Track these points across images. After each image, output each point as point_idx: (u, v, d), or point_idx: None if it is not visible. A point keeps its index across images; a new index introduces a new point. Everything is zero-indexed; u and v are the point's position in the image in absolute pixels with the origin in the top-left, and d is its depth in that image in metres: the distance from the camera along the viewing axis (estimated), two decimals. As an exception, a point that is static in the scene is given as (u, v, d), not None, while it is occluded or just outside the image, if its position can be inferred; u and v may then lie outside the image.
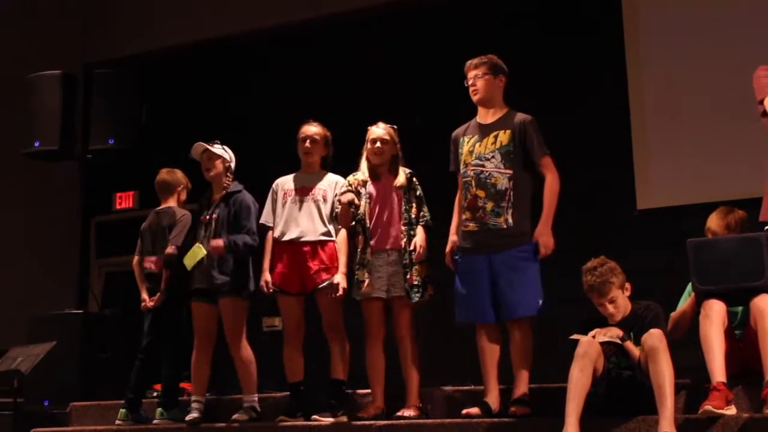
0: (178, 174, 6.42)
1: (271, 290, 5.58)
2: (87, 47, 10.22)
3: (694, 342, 4.51)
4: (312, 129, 5.72)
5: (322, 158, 5.77)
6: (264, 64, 9.57)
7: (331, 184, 5.66)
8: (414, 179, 5.47)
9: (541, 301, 4.97)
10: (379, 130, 5.50)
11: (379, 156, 5.47)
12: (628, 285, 4.74)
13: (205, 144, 5.89)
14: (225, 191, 5.86)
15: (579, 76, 7.93)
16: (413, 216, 5.38)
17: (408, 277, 5.27)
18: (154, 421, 5.94)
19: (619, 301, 4.67)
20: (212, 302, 5.76)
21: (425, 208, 5.44)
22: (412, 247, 5.27)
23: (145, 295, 6.12)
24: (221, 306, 5.73)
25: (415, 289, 5.27)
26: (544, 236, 4.94)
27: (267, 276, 5.59)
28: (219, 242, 5.62)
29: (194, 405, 5.76)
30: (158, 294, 6.03)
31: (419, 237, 5.31)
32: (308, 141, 5.70)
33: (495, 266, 4.98)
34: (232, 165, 5.96)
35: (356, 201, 5.41)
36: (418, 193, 5.45)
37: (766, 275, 4.43)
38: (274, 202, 5.74)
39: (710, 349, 4.36)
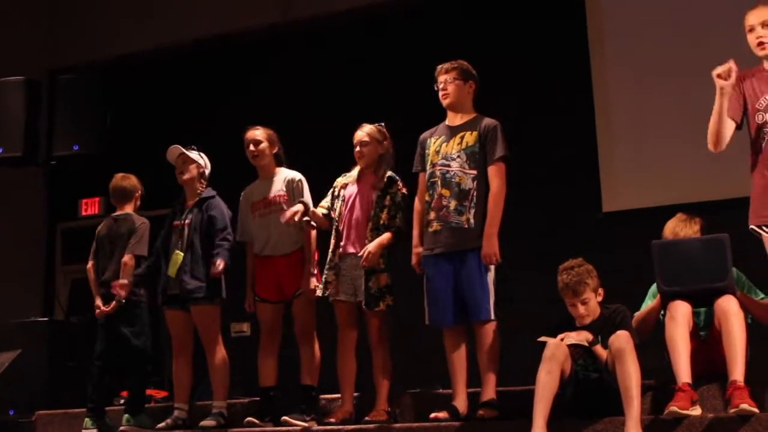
0: (134, 179, 6.40)
1: (252, 310, 5.66)
2: (51, 53, 10.13)
3: (660, 343, 4.55)
4: (254, 133, 5.73)
5: (275, 156, 5.76)
6: (229, 68, 9.54)
7: (286, 184, 5.67)
8: (397, 184, 5.41)
9: (487, 309, 4.93)
10: (359, 133, 5.49)
11: (360, 159, 5.47)
12: (601, 290, 4.76)
13: (181, 148, 5.87)
14: (198, 197, 5.85)
15: (545, 79, 7.98)
16: (382, 221, 5.33)
17: (369, 284, 5.26)
18: (121, 428, 5.89)
19: (591, 304, 4.70)
20: (185, 309, 5.75)
21: (400, 215, 5.34)
22: (361, 252, 5.25)
23: (99, 302, 6.08)
24: (194, 313, 5.72)
25: (373, 299, 5.25)
26: (488, 244, 4.93)
27: (251, 297, 5.66)
28: (218, 268, 5.57)
29: (177, 413, 5.75)
30: (113, 302, 5.99)
31: (374, 242, 5.24)
32: (251, 145, 5.71)
33: (459, 269, 4.99)
34: (207, 171, 5.95)
35: (308, 209, 5.40)
36: (397, 199, 5.36)
37: (730, 276, 4.49)
38: (245, 216, 5.77)
39: (675, 350, 4.40)
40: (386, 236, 5.27)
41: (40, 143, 8.35)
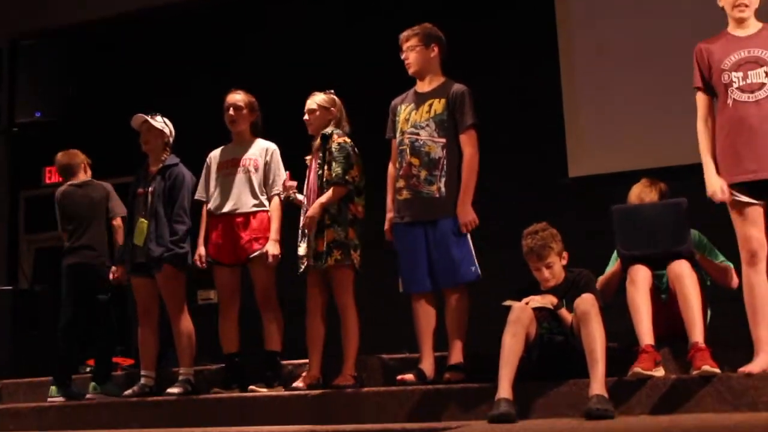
0: (75, 153, 6.35)
1: (204, 264, 5.58)
2: (12, 19, 9.96)
3: (623, 307, 4.59)
4: (235, 97, 5.68)
5: (251, 125, 5.72)
6: (193, 34, 9.44)
7: (261, 152, 5.62)
8: (333, 137, 5.33)
9: (474, 269, 4.99)
10: (308, 101, 5.45)
11: (309, 126, 5.44)
12: (565, 254, 4.79)
13: (145, 116, 5.81)
14: (162, 164, 5.81)
15: (510, 43, 7.96)
16: (325, 177, 5.29)
17: (316, 242, 5.23)
18: (87, 395, 5.88)
19: (555, 268, 4.72)
20: (151, 276, 5.73)
21: (335, 165, 5.25)
22: (303, 220, 5.24)
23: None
24: (159, 279, 5.70)
25: (320, 257, 5.21)
26: (463, 213, 4.96)
27: (201, 250, 5.59)
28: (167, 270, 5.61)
29: (143, 380, 5.74)
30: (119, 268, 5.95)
31: (314, 205, 5.21)
32: (231, 109, 5.66)
33: (431, 237, 5.00)
34: (171, 139, 5.92)
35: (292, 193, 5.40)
36: (333, 152, 5.28)
37: (688, 240, 4.53)
38: (208, 176, 5.71)
39: (637, 313, 4.45)
40: (326, 195, 5.23)
41: (1, 110, 8.27)
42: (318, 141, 5.38)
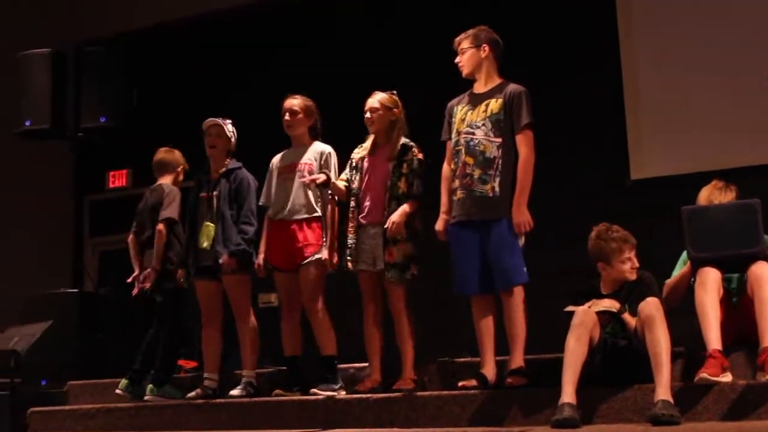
0: (177, 154, 6.42)
1: (263, 274, 5.64)
2: (77, 25, 10.12)
3: (691, 310, 4.52)
4: (291, 102, 5.70)
5: (310, 129, 5.73)
6: (256, 39, 9.51)
7: (316, 155, 5.63)
8: (413, 150, 5.34)
9: (524, 271, 4.94)
10: (370, 100, 5.44)
11: (370, 125, 5.43)
12: None
13: (218, 120, 5.88)
14: (225, 168, 5.86)
15: (571, 47, 7.89)
16: (401, 190, 5.28)
17: (386, 255, 5.23)
18: (146, 398, 5.93)
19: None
20: (216, 279, 5.78)
21: (417, 182, 5.29)
22: (386, 224, 5.20)
23: (136, 273, 6.14)
24: (226, 283, 5.76)
25: (396, 268, 5.22)
26: (518, 213, 4.91)
27: (260, 259, 5.64)
28: (224, 258, 5.64)
29: (206, 383, 5.80)
30: (149, 271, 6.04)
31: (397, 212, 5.20)
32: (287, 114, 5.69)
33: (485, 238, 4.97)
34: (233, 143, 5.95)
35: (330, 180, 5.36)
36: (413, 166, 5.31)
37: (761, 242, 4.44)
38: (270, 181, 5.76)
39: (706, 317, 4.37)
40: (409, 204, 5.24)
41: (67, 116, 8.41)
42: (396, 151, 5.33)
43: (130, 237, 6.31)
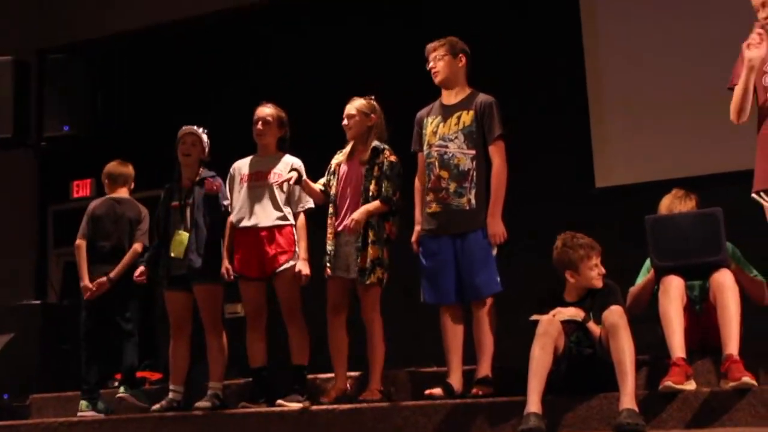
0: (130, 167, 6.43)
1: (232, 277, 5.57)
2: (40, 33, 10.04)
3: (655, 318, 4.54)
4: (264, 110, 5.68)
5: (279, 139, 5.71)
6: (220, 46, 9.47)
7: (286, 167, 5.59)
8: (384, 153, 5.31)
9: (498, 281, 4.97)
10: (348, 106, 5.43)
11: (347, 131, 5.41)
12: None
13: (195, 129, 5.86)
14: (198, 176, 5.84)
15: (535, 55, 7.92)
16: (373, 193, 5.25)
17: (359, 260, 5.21)
18: (119, 394, 5.93)
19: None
20: (187, 290, 5.74)
21: (386, 184, 5.24)
22: (347, 221, 5.18)
23: (87, 282, 6.07)
24: (198, 292, 5.72)
25: (364, 272, 5.20)
26: (493, 224, 4.95)
27: (227, 263, 5.58)
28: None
29: (172, 395, 5.76)
30: (103, 280, 5.99)
31: (360, 210, 5.17)
32: (260, 122, 5.66)
33: (459, 249, 4.99)
34: (207, 152, 5.94)
35: (302, 179, 5.32)
36: (383, 169, 5.27)
37: (724, 250, 4.47)
38: (231, 187, 5.72)
39: (669, 325, 4.40)
40: (374, 204, 5.20)
41: (30, 124, 8.31)
42: (367, 155, 5.32)
43: (82, 242, 6.21)
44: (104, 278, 6.03)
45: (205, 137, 5.90)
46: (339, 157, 5.51)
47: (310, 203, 5.55)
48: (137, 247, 6.11)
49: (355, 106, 5.41)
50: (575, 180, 7.64)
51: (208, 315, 5.75)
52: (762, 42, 4.28)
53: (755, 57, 4.30)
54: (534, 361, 4.35)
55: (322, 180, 5.52)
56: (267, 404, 5.40)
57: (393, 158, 5.33)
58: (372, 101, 5.45)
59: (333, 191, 5.42)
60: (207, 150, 5.92)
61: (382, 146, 5.35)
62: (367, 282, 5.19)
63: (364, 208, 5.18)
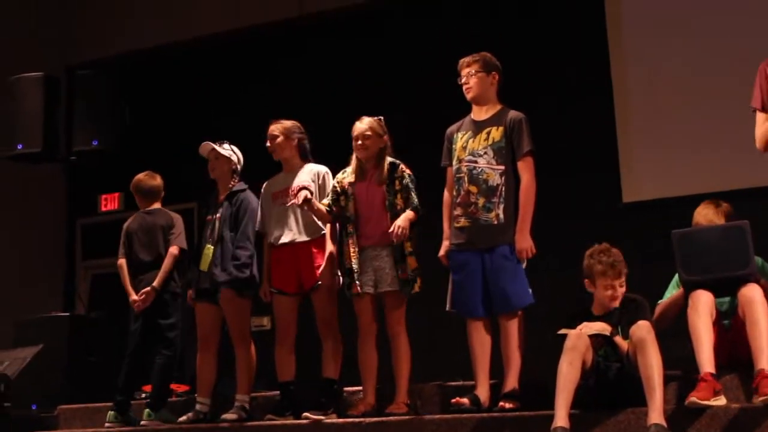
0: (159, 178, 6.45)
1: (269, 299, 5.62)
2: (68, 49, 10.17)
3: (684, 333, 4.52)
4: (271, 127, 5.71)
5: (297, 149, 5.71)
6: (247, 62, 9.55)
7: (312, 176, 5.62)
8: (400, 167, 5.35)
9: (530, 293, 4.99)
10: (361, 126, 5.43)
11: (363, 151, 5.41)
12: None
13: (212, 144, 5.89)
14: (229, 191, 5.87)
15: (563, 73, 7.94)
16: (399, 207, 5.28)
17: (398, 272, 5.23)
18: (142, 423, 5.92)
19: (623, 289, 4.67)
20: (215, 303, 5.78)
21: (413, 195, 5.28)
22: (391, 230, 5.16)
23: (134, 296, 6.10)
24: (224, 305, 5.74)
25: (406, 284, 5.23)
26: (522, 240, 4.97)
27: (266, 287, 5.63)
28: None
29: (199, 407, 5.79)
30: (149, 289, 6.02)
31: (401, 217, 5.17)
32: (268, 141, 5.70)
33: (487, 263, 5.00)
34: (239, 166, 5.97)
35: (310, 197, 5.29)
36: (404, 182, 5.31)
37: (752, 264, 4.45)
38: (265, 207, 5.74)
39: (698, 340, 4.37)
40: (410, 213, 5.22)
41: (59, 139, 8.38)
42: (384, 173, 5.33)
43: (122, 260, 6.26)
44: (149, 288, 6.05)
45: (226, 151, 5.91)
46: (348, 177, 5.47)
47: (322, 230, 5.56)
48: (173, 250, 6.11)
49: (368, 126, 5.41)
50: (602, 195, 7.63)
51: (235, 327, 5.77)
52: None
53: None
54: (561, 375, 4.34)
55: (326, 200, 5.51)
56: (294, 417, 5.40)
57: (408, 171, 5.38)
58: (381, 121, 5.46)
59: (351, 212, 5.40)
60: (236, 160, 5.94)
61: (396, 161, 5.39)
62: (412, 292, 5.24)
63: (405, 217, 5.18)
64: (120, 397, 6.05)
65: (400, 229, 5.13)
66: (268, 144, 5.70)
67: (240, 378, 5.74)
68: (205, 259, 5.77)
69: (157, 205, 6.37)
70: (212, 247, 5.76)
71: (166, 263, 6.09)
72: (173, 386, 6.79)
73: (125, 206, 9.58)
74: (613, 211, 7.57)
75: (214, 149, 5.89)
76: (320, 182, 5.62)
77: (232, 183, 5.91)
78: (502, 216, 5.01)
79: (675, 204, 6.91)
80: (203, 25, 9.68)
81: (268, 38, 9.49)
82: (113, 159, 8.48)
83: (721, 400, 4.25)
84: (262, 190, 5.80)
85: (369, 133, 5.40)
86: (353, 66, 8.86)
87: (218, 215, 5.84)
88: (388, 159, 5.40)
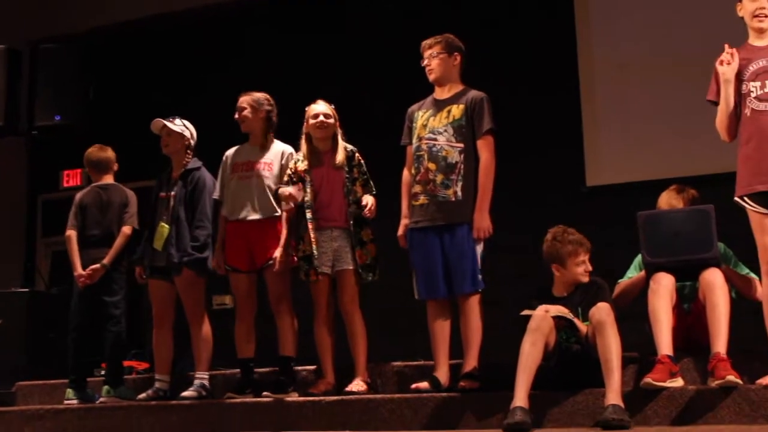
0: (110, 151, 6.38)
1: (224, 272, 5.58)
2: (32, 22, 10.01)
3: (643, 316, 4.56)
4: (240, 99, 5.68)
5: (263, 122, 5.66)
6: (212, 40, 9.46)
7: (277, 155, 5.61)
8: (356, 155, 5.41)
9: (481, 277, 4.97)
10: (319, 107, 5.43)
11: (323, 130, 5.40)
12: None
13: (163, 120, 5.83)
14: (184, 168, 5.82)
15: (529, 55, 7.95)
16: (359, 193, 5.34)
17: (356, 256, 5.25)
18: (101, 399, 5.90)
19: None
20: (169, 280, 5.75)
21: (370, 183, 5.40)
22: (364, 203, 5.24)
23: (80, 270, 6.04)
24: (179, 284, 5.72)
25: (367, 269, 5.26)
26: (480, 219, 4.95)
27: (219, 256, 5.59)
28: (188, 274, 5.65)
29: (158, 384, 5.77)
30: (98, 266, 5.97)
31: (371, 200, 5.28)
32: (236, 112, 5.67)
33: (447, 242, 4.99)
34: (192, 142, 5.92)
35: (295, 198, 5.31)
36: (362, 169, 5.39)
37: (715, 247, 4.49)
38: (224, 175, 5.70)
39: (657, 323, 4.42)
40: (373, 198, 5.31)
41: (20, 113, 8.29)
42: (342, 158, 5.35)
43: (72, 232, 6.17)
44: (98, 265, 6.00)
45: (178, 127, 5.84)
46: (302, 164, 5.45)
47: (276, 210, 5.55)
48: (125, 230, 6.08)
49: (328, 107, 5.44)
50: (566, 178, 7.66)
51: (189, 305, 5.75)
52: (732, 59, 4.40)
53: (728, 70, 4.41)
54: (523, 356, 4.36)
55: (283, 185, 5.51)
56: (254, 395, 5.39)
57: (362, 158, 5.44)
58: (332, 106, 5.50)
59: (309, 198, 5.38)
60: (188, 135, 5.88)
61: (352, 148, 5.42)
62: (370, 279, 5.28)
63: (373, 200, 5.28)
64: (73, 375, 6.02)
65: (372, 206, 5.23)
66: (236, 115, 5.66)
67: (197, 355, 5.72)
68: (160, 237, 5.71)
69: (109, 179, 6.30)
70: (168, 226, 5.70)
71: (118, 242, 6.04)
72: (134, 363, 6.77)
73: (88, 182, 9.42)
74: (576, 194, 7.60)
75: (165, 125, 5.83)
76: (284, 161, 5.59)
77: (186, 160, 5.85)
78: (460, 193, 4.99)
79: (639, 188, 6.96)
80: (171, 0, 9.56)
81: (235, 14, 9.40)
82: (76, 134, 8.39)
83: (677, 382, 4.29)
84: (224, 158, 5.74)
85: (329, 112, 5.42)
86: (321, 43, 8.80)
87: (173, 193, 5.77)
88: (346, 145, 5.42)
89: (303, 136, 5.47)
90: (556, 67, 7.91)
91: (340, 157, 5.36)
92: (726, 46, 4.45)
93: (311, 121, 5.42)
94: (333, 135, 5.44)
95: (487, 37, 7.74)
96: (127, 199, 6.17)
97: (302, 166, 5.45)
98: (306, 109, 5.49)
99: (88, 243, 6.11)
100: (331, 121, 5.41)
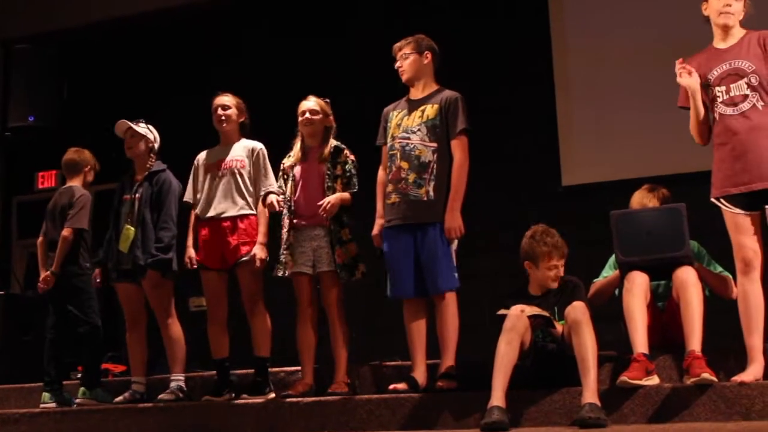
0: (86, 154, 6.32)
1: (195, 266, 5.56)
2: (7, 22, 9.93)
3: (620, 316, 4.58)
4: (223, 98, 5.68)
5: (240, 126, 5.69)
6: (186, 40, 9.42)
7: (247, 152, 5.60)
8: (345, 152, 5.39)
9: (455, 277, 4.98)
10: (307, 103, 5.45)
11: (308, 126, 5.42)
12: None
13: (128, 122, 5.81)
14: (148, 171, 5.80)
15: (504, 54, 7.96)
16: (338, 190, 5.31)
17: (335, 255, 5.24)
18: (77, 401, 5.87)
19: (563, 269, 4.73)
20: (136, 283, 5.72)
21: (354, 181, 5.35)
22: (320, 203, 5.21)
23: (41, 277, 6.01)
24: (145, 286, 5.69)
25: (346, 269, 5.25)
26: (451, 219, 4.96)
27: (191, 252, 5.57)
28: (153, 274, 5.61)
29: (134, 387, 5.76)
30: (47, 274, 5.94)
31: (333, 195, 5.23)
32: (219, 108, 5.66)
33: (419, 242, 5.00)
34: (156, 145, 5.91)
35: (274, 208, 5.32)
36: (346, 167, 5.36)
37: (687, 245, 4.52)
38: (196, 178, 5.69)
39: (632, 321, 4.45)
40: (345, 194, 5.28)
41: (-7, 114, 8.24)
42: (327, 153, 5.36)
43: (40, 239, 6.17)
44: (47, 272, 5.96)
45: (142, 129, 5.83)
46: (290, 160, 5.49)
47: (273, 186, 5.51)
48: (64, 233, 5.93)
49: (316, 102, 5.44)
50: (542, 177, 7.68)
51: (158, 309, 5.73)
52: (690, 71, 4.43)
53: (691, 83, 4.44)
54: (499, 355, 4.37)
55: (280, 181, 5.52)
56: (231, 397, 5.38)
57: (353, 157, 5.41)
58: (328, 103, 5.48)
59: (288, 192, 5.41)
60: (152, 138, 5.87)
61: (342, 145, 5.41)
62: (353, 278, 5.26)
63: (338, 196, 5.24)
64: (48, 377, 5.99)
65: (329, 205, 5.19)
66: (219, 112, 5.64)
67: (171, 358, 5.71)
68: (125, 240, 5.69)
69: (76, 182, 6.22)
70: (133, 229, 5.68)
71: (59, 246, 5.95)
72: (110, 366, 6.74)
73: (62, 184, 9.40)
74: (552, 193, 7.63)
75: (130, 128, 5.82)
76: (254, 158, 5.58)
77: (150, 163, 5.84)
78: (432, 193, 4.99)
79: (613, 188, 6.98)
80: (145, 1, 9.51)
81: (210, 14, 9.36)
82: (51, 135, 8.34)
83: (653, 380, 4.33)
84: (195, 161, 5.74)
85: (317, 108, 5.41)
86: (303, 45, 8.77)
87: (137, 195, 5.76)
88: (333, 142, 5.41)
89: (298, 133, 5.49)
90: (531, 67, 7.93)
91: (324, 151, 5.36)
92: (678, 61, 4.47)
93: (299, 118, 5.44)
94: (324, 130, 5.43)
95: (463, 38, 7.74)
96: (72, 201, 6.05)
97: (288, 162, 5.46)
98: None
99: (52, 247, 6.07)
100: (318, 117, 5.41)
